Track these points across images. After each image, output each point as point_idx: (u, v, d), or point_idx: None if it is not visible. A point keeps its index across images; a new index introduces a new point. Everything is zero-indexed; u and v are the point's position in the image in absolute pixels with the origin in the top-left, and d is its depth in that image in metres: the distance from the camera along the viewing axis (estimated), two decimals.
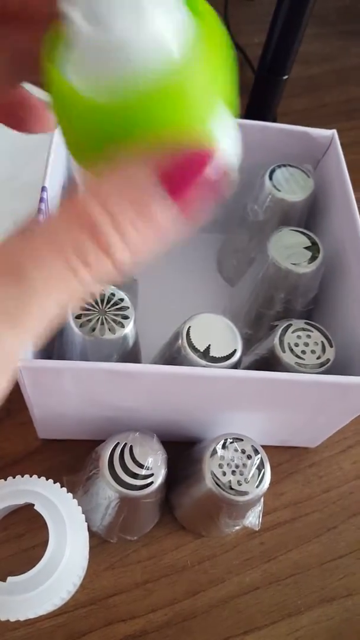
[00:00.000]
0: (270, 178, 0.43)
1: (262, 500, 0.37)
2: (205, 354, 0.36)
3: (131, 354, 0.38)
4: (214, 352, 0.36)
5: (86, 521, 0.39)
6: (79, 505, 0.35)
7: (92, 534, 0.39)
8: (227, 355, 0.36)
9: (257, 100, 0.61)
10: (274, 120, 0.66)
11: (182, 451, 0.40)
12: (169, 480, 0.39)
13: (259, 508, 0.38)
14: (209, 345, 0.36)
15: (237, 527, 0.40)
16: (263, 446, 0.36)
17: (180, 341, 0.36)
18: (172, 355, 0.38)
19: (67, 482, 0.38)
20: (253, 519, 0.38)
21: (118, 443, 0.35)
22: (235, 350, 0.36)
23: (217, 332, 0.37)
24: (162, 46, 0.15)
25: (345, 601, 0.40)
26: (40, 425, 0.40)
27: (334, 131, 0.44)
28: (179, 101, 0.15)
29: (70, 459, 0.42)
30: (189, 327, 0.37)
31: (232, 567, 0.40)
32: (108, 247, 0.14)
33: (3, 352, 0.14)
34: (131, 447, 0.34)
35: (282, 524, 0.42)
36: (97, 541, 0.40)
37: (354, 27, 0.83)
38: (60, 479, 0.38)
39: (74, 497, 0.37)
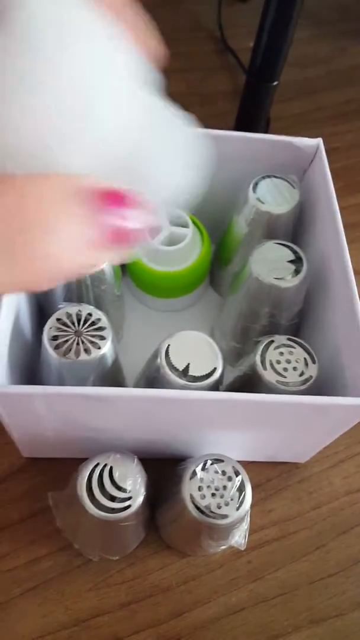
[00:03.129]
0: (255, 190, 0.43)
1: (247, 519, 0.36)
2: (185, 373, 0.35)
3: (110, 374, 0.37)
4: (193, 371, 0.35)
5: (69, 538, 0.39)
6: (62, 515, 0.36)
7: (76, 553, 0.39)
8: (206, 374, 0.35)
9: (248, 107, 0.61)
10: (267, 126, 0.65)
11: (168, 468, 0.39)
12: (153, 499, 0.38)
13: (244, 527, 0.37)
14: (188, 364, 0.36)
15: (223, 547, 0.39)
16: (250, 462, 0.35)
17: (159, 360, 0.36)
18: (151, 374, 0.37)
19: (51, 497, 0.38)
20: (239, 538, 0.38)
21: (98, 464, 0.34)
22: (215, 369, 0.36)
23: (197, 350, 0.37)
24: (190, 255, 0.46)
25: (335, 622, 0.39)
26: (22, 445, 0.40)
27: (320, 140, 0.43)
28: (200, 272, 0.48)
29: (55, 477, 0.42)
30: (169, 345, 0.36)
31: (218, 587, 0.40)
32: None
33: None
34: (111, 468, 0.34)
35: (270, 542, 0.42)
36: (81, 561, 0.39)
37: (350, 26, 0.82)
38: (45, 495, 0.38)
39: (56, 513, 0.37)
